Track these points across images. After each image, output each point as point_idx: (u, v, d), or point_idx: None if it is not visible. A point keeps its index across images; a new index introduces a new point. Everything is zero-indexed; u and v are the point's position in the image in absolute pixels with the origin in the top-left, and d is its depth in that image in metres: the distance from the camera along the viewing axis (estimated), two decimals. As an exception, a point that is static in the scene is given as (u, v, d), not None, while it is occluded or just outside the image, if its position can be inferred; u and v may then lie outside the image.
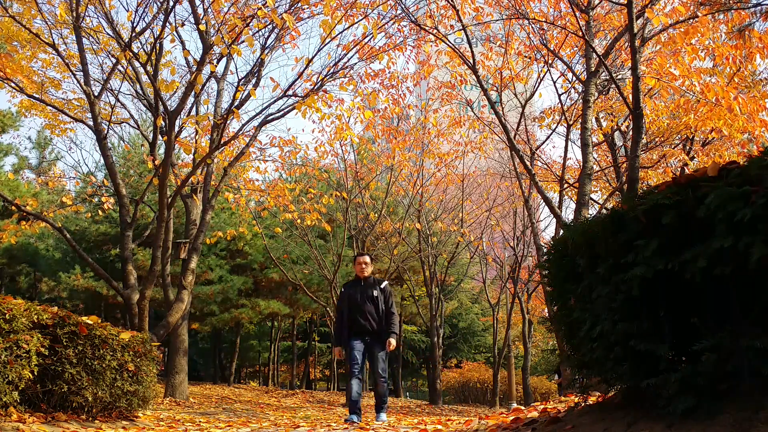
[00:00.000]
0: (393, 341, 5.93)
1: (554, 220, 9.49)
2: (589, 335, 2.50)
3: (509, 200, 18.64)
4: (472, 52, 8.89)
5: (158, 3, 8.21)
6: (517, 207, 18.45)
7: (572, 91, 11.12)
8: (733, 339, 1.92)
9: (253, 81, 10.37)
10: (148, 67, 8.37)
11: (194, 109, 11.24)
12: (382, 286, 6.12)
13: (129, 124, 11.99)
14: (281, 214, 13.71)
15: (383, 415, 5.97)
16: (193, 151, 10.44)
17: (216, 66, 9.45)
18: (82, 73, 9.34)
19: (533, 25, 9.45)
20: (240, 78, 10.66)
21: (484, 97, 9.05)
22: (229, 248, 18.45)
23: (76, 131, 48.62)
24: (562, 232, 6.10)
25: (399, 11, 9.33)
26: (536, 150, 11.90)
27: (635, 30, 5.90)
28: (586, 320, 2.53)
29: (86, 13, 8.90)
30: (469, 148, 15.66)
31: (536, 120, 13.04)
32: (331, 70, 9.37)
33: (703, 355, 1.96)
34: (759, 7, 6.05)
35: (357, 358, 5.84)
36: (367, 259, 6.22)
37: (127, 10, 16.21)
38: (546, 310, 18.25)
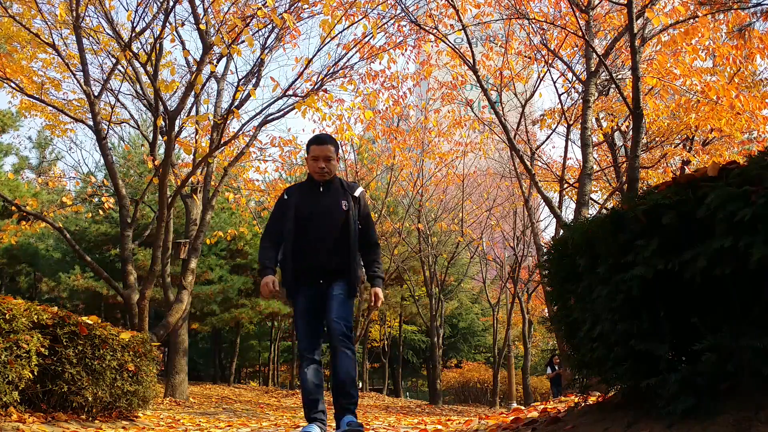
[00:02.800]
0: (381, 294, 3.64)
1: (554, 220, 9.49)
2: (589, 335, 2.50)
3: (509, 200, 18.65)
4: (472, 52, 8.89)
5: (158, 3, 8.20)
6: (517, 207, 18.46)
7: (572, 91, 11.12)
8: (733, 339, 1.91)
9: (253, 81, 10.37)
10: (148, 67, 8.37)
11: (194, 109, 11.24)
12: (355, 194, 3.62)
13: (129, 124, 12.00)
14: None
15: (352, 419, 3.32)
16: (193, 151, 10.44)
17: (216, 66, 9.46)
18: (82, 73, 9.33)
19: (533, 25, 9.45)
20: (240, 78, 10.67)
21: (484, 97, 9.06)
22: (229, 248, 18.46)
23: (76, 131, 48.66)
24: (562, 232, 6.11)
25: (399, 11, 9.34)
26: (536, 150, 11.90)
27: (635, 30, 5.90)
28: (586, 320, 2.53)
29: (86, 13, 8.90)
30: (469, 148, 15.67)
31: (536, 122, 13.04)
32: (331, 70, 9.38)
33: (703, 355, 1.96)
34: (759, 7, 6.05)
35: (309, 332, 3.48)
36: (332, 149, 3.55)
37: (127, 10, 16.22)
38: (546, 310, 18.24)
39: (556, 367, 14.52)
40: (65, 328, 4.55)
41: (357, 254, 3.55)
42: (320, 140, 3.57)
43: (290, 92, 9.23)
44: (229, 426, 5.61)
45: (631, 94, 6.03)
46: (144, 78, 10.23)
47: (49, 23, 9.13)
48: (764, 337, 1.83)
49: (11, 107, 21.33)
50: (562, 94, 10.94)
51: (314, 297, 3.47)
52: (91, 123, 9.49)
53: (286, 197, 3.61)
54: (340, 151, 15.65)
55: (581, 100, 8.68)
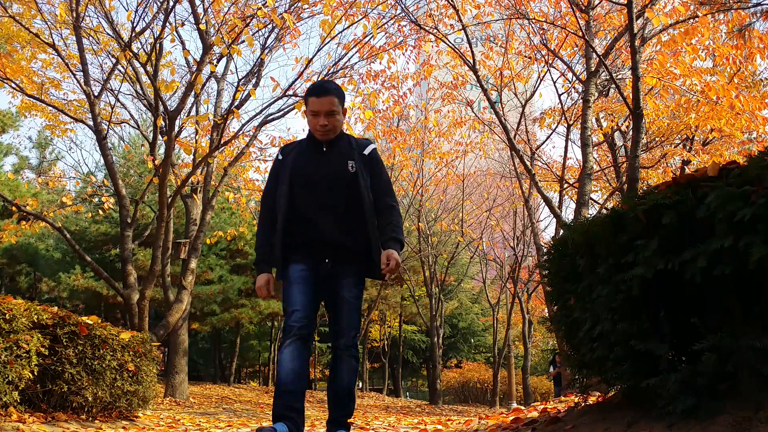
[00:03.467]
0: (396, 255, 2.78)
1: (554, 220, 9.49)
2: (589, 335, 2.50)
3: (509, 200, 18.65)
4: (473, 52, 8.90)
5: (158, 3, 8.21)
6: (517, 207, 18.46)
7: (572, 91, 11.13)
8: (733, 339, 1.91)
9: (253, 81, 10.37)
10: (148, 67, 8.37)
11: (194, 109, 11.25)
12: (366, 153, 2.94)
13: (129, 124, 12.00)
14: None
15: None
16: (193, 151, 10.44)
17: (216, 66, 9.47)
18: (82, 73, 9.34)
19: (533, 25, 9.45)
20: (240, 78, 10.67)
21: (485, 97, 9.06)
22: (229, 248, 18.46)
23: (76, 131, 48.64)
24: (562, 232, 6.11)
25: (399, 11, 9.34)
26: (536, 150, 11.90)
27: (635, 30, 5.90)
28: (586, 320, 2.53)
29: (86, 13, 8.90)
30: (469, 148, 15.67)
31: (536, 121, 13.05)
32: (332, 70, 9.39)
33: (703, 355, 1.96)
34: (759, 7, 6.05)
35: (301, 300, 2.77)
36: (335, 101, 2.83)
37: (127, 10, 16.22)
38: (546, 310, 18.25)
39: (559, 365, 14.37)
40: (65, 328, 4.55)
41: (375, 230, 2.81)
42: (320, 90, 2.83)
43: (290, 92, 9.24)
44: (229, 426, 5.61)
45: (631, 94, 6.03)
46: (144, 78, 10.24)
47: (49, 23, 9.13)
48: (764, 337, 1.83)
49: (11, 107, 21.33)
50: (562, 94, 10.95)
51: (313, 272, 2.78)
52: (91, 123, 9.49)
53: (281, 157, 2.93)
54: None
55: (581, 100, 8.68)
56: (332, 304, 2.86)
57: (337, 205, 2.81)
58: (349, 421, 2.95)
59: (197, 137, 10.48)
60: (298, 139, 3.17)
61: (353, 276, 2.84)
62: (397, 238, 2.84)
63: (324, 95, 2.82)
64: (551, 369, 14.76)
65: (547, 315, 6.13)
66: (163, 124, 8.89)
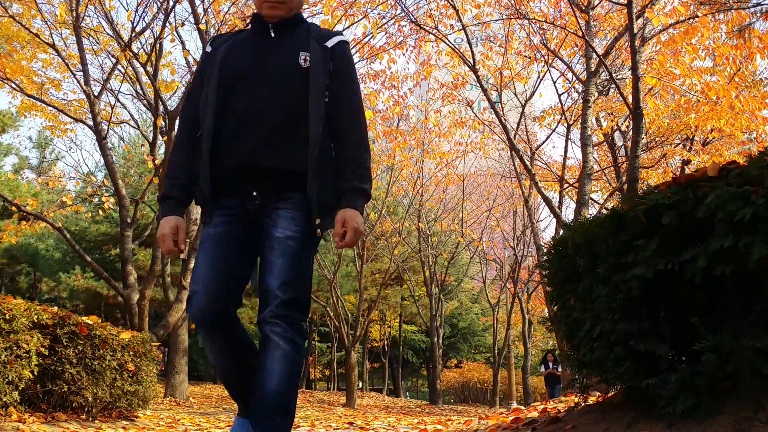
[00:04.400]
0: (357, 220, 1.91)
1: (554, 220, 9.49)
2: (589, 335, 2.50)
3: (509, 200, 18.65)
4: (472, 52, 8.90)
5: (158, 3, 8.21)
6: (517, 207, 18.46)
7: (572, 91, 11.13)
8: (733, 339, 1.92)
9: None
10: (148, 67, 8.37)
11: (194, 109, 11.22)
12: (329, 45, 2.05)
13: (129, 124, 12.02)
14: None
15: None
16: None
17: (216, 66, 9.44)
18: (82, 73, 9.34)
19: (533, 25, 9.46)
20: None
21: (485, 97, 9.06)
22: (229, 248, 18.43)
23: (76, 131, 48.65)
24: (562, 232, 6.11)
25: (399, 11, 9.35)
26: (536, 150, 11.91)
27: (635, 30, 5.90)
28: (586, 320, 2.53)
29: (86, 13, 8.91)
30: (469, 148, 15.68)
31: (536, 119, 13.05)
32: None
33: (703, 355, 1.96)
34: (759, 7, 6.05)
35: (206, 276, 1.90)
36: None
37: (127, 10, 16.22)
38: (546, 310, 18.26)
39: (550, 365, 14.15)
40: (65, 328, 4.55)
41: (328, 149, 1.98)
42: None
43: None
44: (229, 426, 5.61)
45: (631, 94, 6.03)
46: (144, 78, 10.24)
47: (49, 23, 9.14)
48: (764, 337, 1.83)
49: (11, 107, 21.33)
50: (562, 94, 10.96)
51: (238, 220, 1.94)
52: (91, 123, 9.50)
53: (209, 50, 2.11)
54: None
55: (581, 100, 8.68)
56: (262, 253, 1.93)
57: (276, 111, 1.93)
58: None
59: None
60: (244, 29, 2.23)
61: (294, 207, 1.92)
62: (361, 188, 1.93)
63: None
64: (542, 369, 14.61)
65: (547, 315, 6.12)
66: (163, 124, 8.89)
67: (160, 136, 9.98)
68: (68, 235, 9.71)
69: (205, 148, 1.94)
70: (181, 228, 1.96)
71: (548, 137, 14.67)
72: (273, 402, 1.78)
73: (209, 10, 8.76)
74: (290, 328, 1.82)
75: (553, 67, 10.64)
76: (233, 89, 1.98)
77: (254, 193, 1.93)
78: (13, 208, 9.93)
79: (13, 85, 9.63)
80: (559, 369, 13.27)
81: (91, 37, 9.71)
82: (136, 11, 8.25)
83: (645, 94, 8.42)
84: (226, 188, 1.95)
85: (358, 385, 20.37)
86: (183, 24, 9.73)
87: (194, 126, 2.03)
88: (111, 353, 5.07)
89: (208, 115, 1.96)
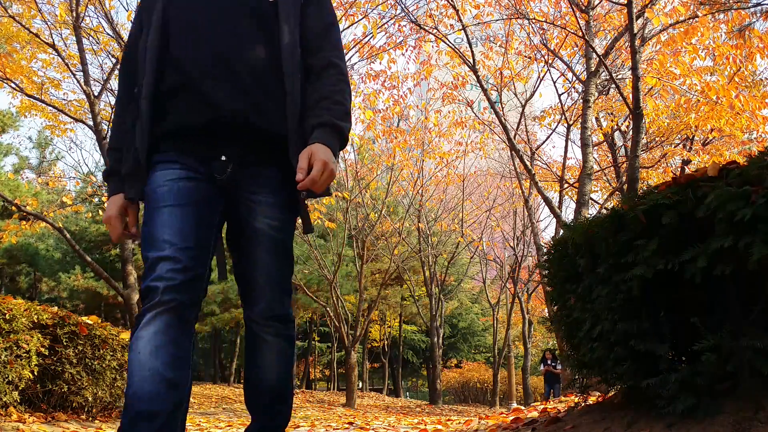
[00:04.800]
0: (327, 156, 1.50)
1: (554, 220, 9.49)
2: (589, 335, 2.50)
3: (509, 200, 18.66)
4: (472, 52, 8.90)
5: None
6: (517, 207, 18.46)
7: (572, 91, 11.14)
8: (733, 339, 1.92)
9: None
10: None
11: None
12: None
13: (129, 124, 11.99)
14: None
15: None
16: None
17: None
18: (82, 73, 9.35)
19: (533, 25, 9.46)
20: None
21: (485, 97, 9.06)
22: (229, 248, 18.45)
23: (76, 131, 48.70)
24: (562, 232, 6.11)
25: (399, 11, 9.36)
26: (536, 150, 11.91)
27: (635, 30, 5.90)
28: (586, 320, 2.53)
29: (86, 13, 8.91)
30: (469, 148, 15.69)
31: (536, 119, 13.06)
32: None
33: (703, 355, 1.96)
34: (759, 7, 6.05)
35: (172, 234, 1.47)
36: None
37: (127, 10, 16.22)
38: (546, 310, 18.26)
39: (549, 362, 13.98)
40: (65, 328, 4.55)
41: (297, 93, 1.62)
42: None
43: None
44: (229, 426, 5.61)
45: (631, 94, 6.03)
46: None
47: (49, 23, 9.14)
48: (764, 337, 1.83)
49: (11, 107, 21.34)
50: (562, 94, 10.97)
51: (202, 175, 1.57)
52: (91, 123, 9.50)
53: None
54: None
55: (581, 100, 8.68)
56: (237, 243, 1.65)
57: (243, 57, 1.59)
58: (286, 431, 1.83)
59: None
60: None
61: (274, 189, 1.61)
62: (337, 125, 1.58)
63: None
64: (542, 367, 14.51)
65: (547, 315, 6.12)
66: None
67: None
68: (68, 235, 9.71)
69: (145, 102, 1.57)
70: (130, 208, 1.64)
71: (548, 137, 14.69)
72: (274, 394, 1.74)
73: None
74: (283, 325, 1.69)
75: (553, 67, 10.65)
76: (181, 29, 1.61)
77: (222, 158, 1.57)
78: (13, 208, 9.93)
79: (13, 85, 9.63)
80: (558, 367, 13.23)
81: (91, 37, 9.71)
82: (136, 11, 8.26)
83: (645, 94, 8.42)
84: (169, 151, 1.59)
85: (358, 385, 20.38)
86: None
87: (132, 85, 1.67)
88: (111, 353, 5.07)
89: (150, 62, 1.59)
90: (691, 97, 8.78)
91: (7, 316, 3.93)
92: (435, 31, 9.04)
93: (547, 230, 34.74)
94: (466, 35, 8.69)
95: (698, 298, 2.16)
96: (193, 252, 1.50)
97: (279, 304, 1.66)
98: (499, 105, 10.32)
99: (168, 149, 1.59)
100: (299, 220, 1.73)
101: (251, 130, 1.58)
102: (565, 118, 10.44)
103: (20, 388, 4.01)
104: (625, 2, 6.05)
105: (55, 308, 4.72)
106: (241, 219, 1.63)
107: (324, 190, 1.55)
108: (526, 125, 12.33)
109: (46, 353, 4.29)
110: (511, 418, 3.64)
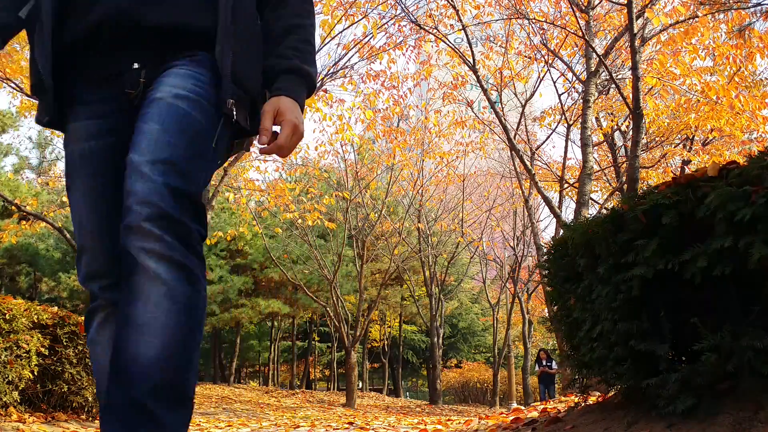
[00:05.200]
0: (298, 113, 1.23)
1: (554, 220, 9.50)
2: (589, 335, 2.50)
3: (509, 200, 18.66)
4: (472, 52, 8.90)
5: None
6: (517, 207, 18.46)
7: (572, 91, 11.14)
8: (733, 339, 1.91)
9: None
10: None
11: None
12: None
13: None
14: (281, 214, 13.72)
15: None
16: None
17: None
18: (82, 73, 9.35)
19: (533, 25, 9.46)
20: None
21: (485, 97, 9.07)
22: (229, 248, 18.47)
23: (76, 131, 48.59)
24: (562, 232, 6.10)
25: (399, 11, 9.36)
26: (536, 150, 11.91)
27: (635, 30, 5.90)
28: (586, 320, 2.53)
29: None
30: (469, 148, 15.69)
31: (536, 119, 13.06)
32: (332, 70, 9.39)
33: (703, 355, 1.96)
34: (759, 7, 6.05)
35: (92, 224, 1.22)
36: None
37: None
38: (546, 310, 18.25)
39: (544, 362, 13.76)
40: (65, 328, 4.55)
41: (251, 6, 1.32)
42: None
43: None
44: (229, 426, 5.61)
45: (631, 94, 6.03)
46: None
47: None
48: (764, 337, 1.83)
49: (11, 107, 21.34)
50: (562, 94, 10.97)
51: (116, 126, 1.24)
52: (91, 123, 9.50)
53: None
54: (341, 151, 15.55)
55: (581, 100, 8.68)
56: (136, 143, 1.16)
57: None
58: None
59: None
60: None
61: (190, 66, 1.22)
62: (304, 69, 1.31)
63: None
64: (537, 367, 14.40)
65: (547, 315, 6.11)
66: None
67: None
68: (68, 235, 9.71)
69: (45, 5, 1.22)
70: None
71: (548, 137, 14.68)
72: (153, 383, 0.99)
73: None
74: (176, 241, 1.04)
75: (553, 67, 10.65)
76: None
77: (135, 65, 1.22)
78: (13, 208, 9.94)
79: (13, 85, 9.63)
80: (553, 366, 13.15)
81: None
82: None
83: (645, 94, 8.42)
84: (87, 70, 1.25)
85: (358, 385, 20.38)
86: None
87: None
88: (111, 353, 5.06)
89: None
90: (691, 97, 8.78)
91: (7, 316, 3.93)
92: (435, 31, 9.04)
93: (547, 230, 34.77)
94: (466, 35, 8.69)
95: (698, 298, 2.16)
96: (108, 244, 1.21)
97: (170, 199, 1.04)
98: (499, 105, 10.31)
99: (75, 81, 1.26)
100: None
101: (169, 29, 1.22)
102: (565, 118, 10.44)
103: (20, 388, 4.01)
104: (625, 2, 6.05)
105: (55, 308, 4.72)
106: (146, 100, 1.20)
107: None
108: (526, 125, 12.33)
109: (46, 353, 4.29)
110: (511, 418, 3.64)
